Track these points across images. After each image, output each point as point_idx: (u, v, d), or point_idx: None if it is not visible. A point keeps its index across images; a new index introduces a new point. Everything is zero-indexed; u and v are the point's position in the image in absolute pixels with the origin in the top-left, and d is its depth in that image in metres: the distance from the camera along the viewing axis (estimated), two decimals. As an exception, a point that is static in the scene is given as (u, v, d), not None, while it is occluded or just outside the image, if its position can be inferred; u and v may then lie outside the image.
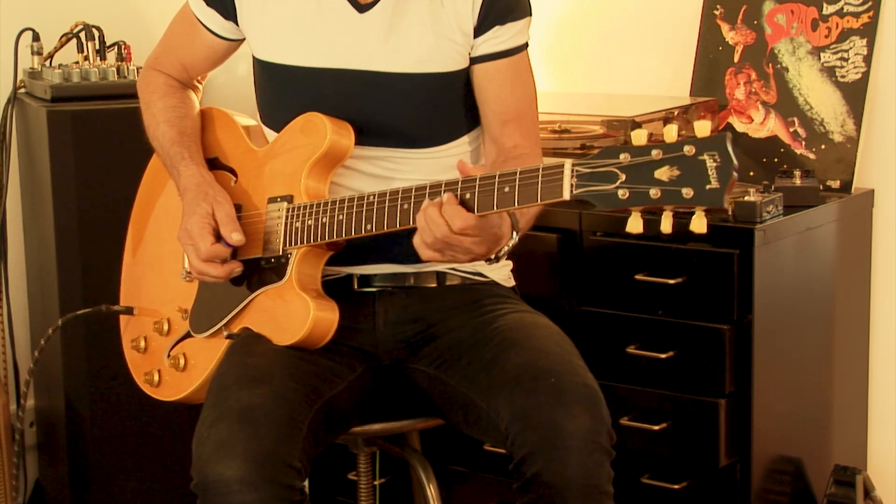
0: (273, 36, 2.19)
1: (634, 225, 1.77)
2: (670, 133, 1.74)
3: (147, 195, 2.42)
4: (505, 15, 2.15)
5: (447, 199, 1.89)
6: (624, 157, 1.75)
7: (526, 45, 2.21)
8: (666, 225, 1.75)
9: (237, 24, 2.25)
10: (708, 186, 1.70)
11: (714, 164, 1.70)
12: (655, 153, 1.73)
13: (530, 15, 2.20)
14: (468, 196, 1.88)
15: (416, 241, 1.94)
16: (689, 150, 1.71)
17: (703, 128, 1.72)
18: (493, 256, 1.97)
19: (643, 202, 1.74)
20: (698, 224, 1.73)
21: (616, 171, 1.76)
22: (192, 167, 2.22)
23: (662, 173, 1.73)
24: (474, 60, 2.18)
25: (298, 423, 1.97)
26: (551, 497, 1.92)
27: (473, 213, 1.88)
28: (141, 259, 2.40)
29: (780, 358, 2.60)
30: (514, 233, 1.96)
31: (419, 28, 2.13)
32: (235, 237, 2.12)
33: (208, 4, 2.25)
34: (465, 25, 2.15)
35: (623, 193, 1.75)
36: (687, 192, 1.71)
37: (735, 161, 1.70)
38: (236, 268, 2.14)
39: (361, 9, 2.14)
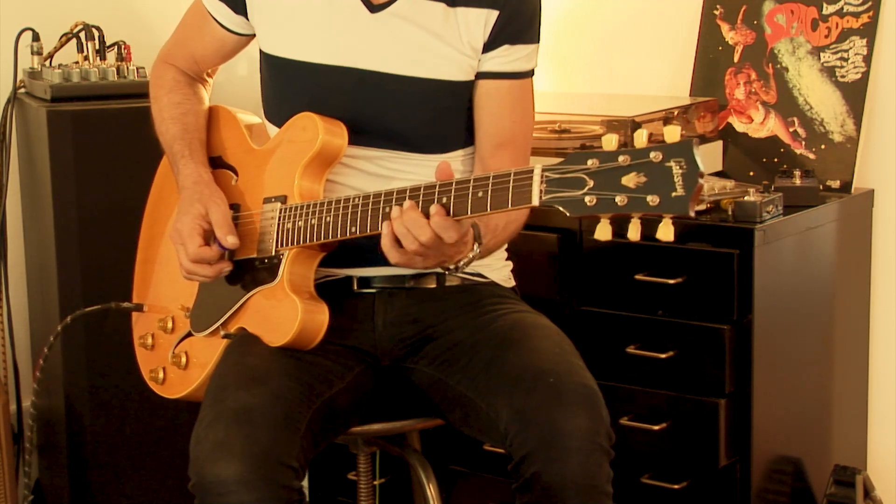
0: (282, 30, 2.19)
1: (603, 232, 1.75)
2: (640, 138, 1.71)
3: (158, 193, 2.43)
4: (516, 36, 2.15)
5: (435, 211, 1.88)
6: (592, 163, 1.73)
7: (532, 73, 2.20)
8: (633, 233, 1.73)
9: (247, 19, 2.25)
10: (673, 194, 1.67)
11: (680, 171, 1.67)
12: (623, 159, 1.71)
13: (539, 42, 2.20)
14: (445, 201, 1.88)
15: (386, 244, 1.92)
16: (655, 156, 1.69)
17: (672, 133, 1.69)
18: (451, 266, 1.97)
19: (610, 209, 1.72)
20: (665, 232, 1.71)
21: (584, 177, 1.74)
22: (190, 165, 2.22)
23: (629, 180, 1.71)
24: (479, 76, 2.17)
25: (296, 423, 1.97)
26: (551, 497, 1.92)
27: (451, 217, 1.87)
28: (150, 257, 2.41)
29: (780, 358, 2.60)
30: (476, 245, 1.95)
31: (430, 34, 2.13)
32: (230, 240, 2.12)
33: None
34: (475, 41, 2.14)
35: (590, 200, 1.73)
36: (652, 200, 1.69)
37: (701, 167, 1.67)
38: (226, 267, 2.14)
39: (374, 9, 2.14)
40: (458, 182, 1.87)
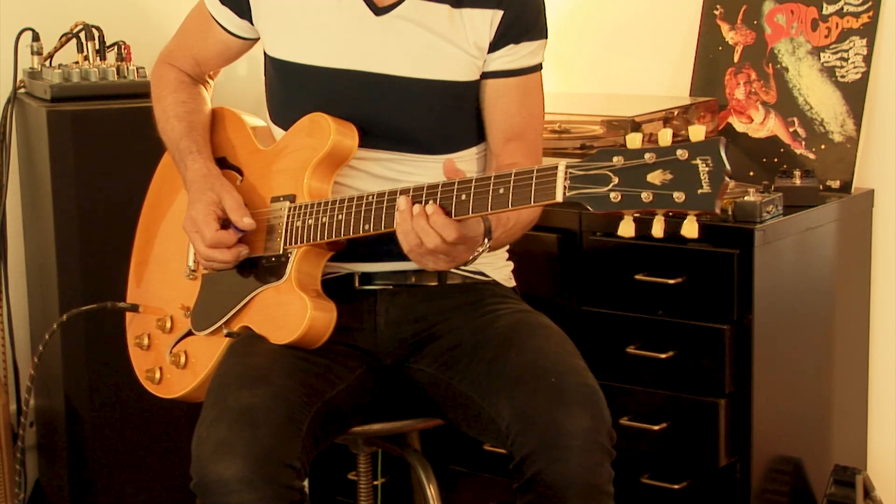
0: (288, 34, 2.19)
1: (626, 229, 1.76)
2: (665, 137, 1.73)
3: (156, 194, 2.43)
4: (521, 34, 2.16)
5: (434, 211, 1.88)
6: (617, 160, 1.75)
7: (539, 67, 2.21)
8: (657, 229, 1.74)
9: (251, 23, 2.25)
10: (700, 191, 1.70)
11: (706, 169, 1.70)
12: (649, 156, 1.73)
13: (546, 38, 2.21)
14: (463, 198, 1.88)
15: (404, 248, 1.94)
16: (681, 154, 1.71)
17: (697, 132, 1.71)
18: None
19: (635, 206, 1.74)
20: (689, 229, 1.72)
21: (609, 173, 1.75)
22: (199, 161, 2.22)
23: (655, 177, 1.72)
24: (486, 75, 2.18)
25: (298, 422, 1.97)
26: (552, 497, 1.92)
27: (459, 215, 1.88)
28: (146, 258, 2.40)
29: (780, 358, 2.60)
30: (486, 239, 1.96)
31: (435, 36, 2.14)
32: (246, 221, 2.12)
33: (223, 3, 2.26)
34: (480, 41, 2.15)
35: (615, 196, 1.75)
36: (678, 197, 1.70)
37: (728, 166, 1.69)
38: (243, 251, 2.14)
39: (379, 11, 2.15)
40: (479, 179, 1.88)
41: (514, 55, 2.17)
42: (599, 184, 1.76)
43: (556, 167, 1.80)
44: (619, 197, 1.74)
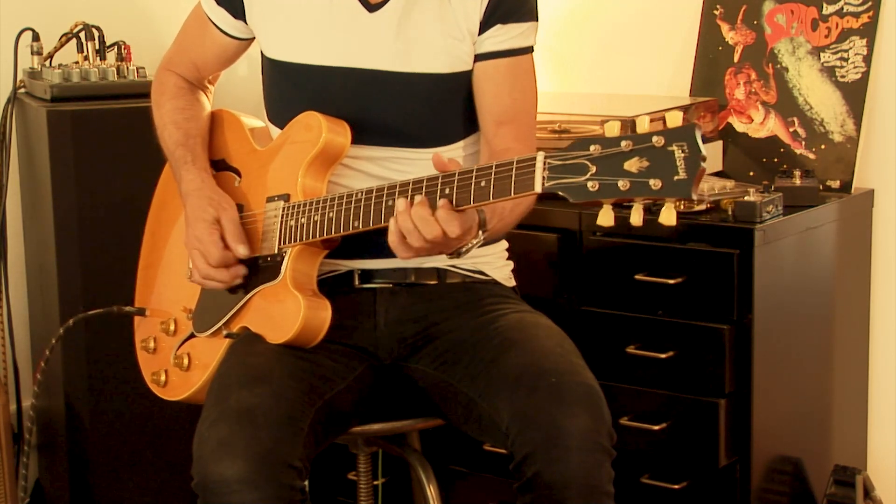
0: (283, 34, 2.19)
1: (605, 218, 1.76)
2: (642, 124, 1.73)
3: (161, 199, 2.43)
4: (508, 15, 2.16)
5: (442, 205, 1.88)
6: (595, 149, 1.74)
7: (530, 49, 2.20)
8: (636, 218, 1.74)
9: (246, 23, 2.25)
10: (676, 177, 1.69)
11: (682, 155, 1.68)
12: (625, 144, 1.72)
13: (537, 20, 2.20)
14: (447, 191, 1.88)
15: (394, 240, 1.92)
16: (657, 140, 1.70)
17: (674, 118, 1.71)
18: (454, 253, 1.97)
19: (613, 194, 1.73)
20: (667, 216, 1.72)
21: (586, 162, 1.75)
22: (193, 171, 2.22)
23: (632, 165, 1.72)
24: (476, 58, 2.18)
25: (298, 422, 1.97)
26: (552, 497, 1.92)
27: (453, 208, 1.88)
28: (153, 262, 2.41)
29: (780, 358, 2.60)
30: (481, 231, 1.95)
31: (428, 28, 2.14)
32: (241, 251, 2.13)
33: (218, 3, 2.27)
34: (472, 24, 2.15)
35: (593, 185, 1.74)
36: (655, 184, 1.70)
37: (703, 152, 1.68)
38: (241, 272, 2.14)
39: (371, 8, 2.15)
40: (461, 173, 1.88)
41: (503, 36, 2.16)
42: (577, 173, 1.75)
43: (535, 158, 1.79)
44: (597, 186, 1.74)
